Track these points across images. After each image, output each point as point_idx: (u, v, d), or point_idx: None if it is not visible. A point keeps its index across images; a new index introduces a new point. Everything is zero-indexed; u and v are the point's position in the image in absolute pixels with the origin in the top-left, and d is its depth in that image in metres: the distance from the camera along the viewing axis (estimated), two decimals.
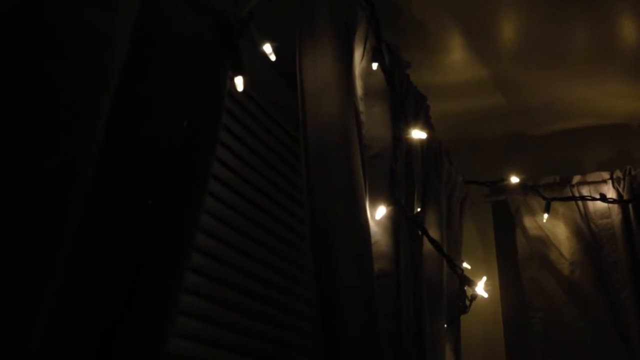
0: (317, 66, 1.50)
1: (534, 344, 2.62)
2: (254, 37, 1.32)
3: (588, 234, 2.62)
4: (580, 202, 2.65)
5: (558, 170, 2.76)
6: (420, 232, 1.96)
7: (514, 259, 2.71)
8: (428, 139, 2.10)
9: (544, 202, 2.63)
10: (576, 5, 2.07)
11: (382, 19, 1.77)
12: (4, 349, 0.75)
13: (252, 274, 1.65)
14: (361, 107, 1.73)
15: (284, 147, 1.89)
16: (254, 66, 1.42)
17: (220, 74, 1.15)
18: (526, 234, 2.70)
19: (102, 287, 0.91)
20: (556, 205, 2.65)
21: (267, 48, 1.37)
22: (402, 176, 1.88)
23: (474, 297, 2.12)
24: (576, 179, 2.70)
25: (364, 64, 1.76)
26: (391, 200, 1.75)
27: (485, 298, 2.15)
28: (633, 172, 2.60)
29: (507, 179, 2.69)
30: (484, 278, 2.18)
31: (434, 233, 2.08)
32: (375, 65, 1.78)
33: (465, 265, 2.38)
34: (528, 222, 2.70)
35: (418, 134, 1.96)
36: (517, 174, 2.69)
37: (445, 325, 2.18)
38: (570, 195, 2.67)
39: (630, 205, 2.57)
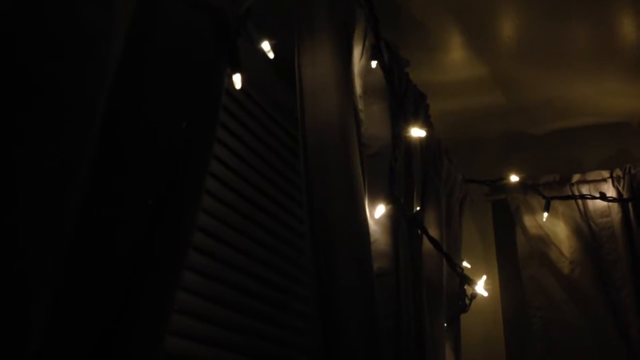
0: (315, 64, 1.50)
1: (534, 342, 2.61)
2: (252, 34, 1.31)
3: (588, 233, 2.62)
4: (580, 201, 2.65)
5: (558, 168, 2.75)
6: (419, 231, 1.95)
7: (514, 257, 2.71)
8: (427, 137, 2.10)
9: (543, 201, 2.62)
10: (576, 3, 2.07)
11: (382, 18, 1.77)
12: (3, 348, 0.75)
13: (250, 272, 1.65)
14: (360, 105, 1.72)
15: (282, 146, 1.89)
16: (252, 64, 1.42)
17: (218, 71, 1.15)
18: (526, 233, 2.69)
19: (100, 285, 0.91)
20: (556, 204, 2.64)
21: (266, 46, 1.36)
22: (402, 175, 1.87)
23: (474, 296, 2.12)
24: (576, 177, 2.69)
25: (363, 62, 1.76)
26: (390, 199, 1.74)
27: (485, 297, 2.15)
28: (633, 171, 2.60)
29: (506, 177, 2.69)
30: (484, 277, 2.17)
31: (433, 232, 2.07)
32: (374, 64, 1.77)
33: (465, 264, 2.37)
34: (528, 220, 2.70)
35: (417, 132, 1.96)
36: (517, 173, 2.69)
37: (445, 324, 2.18)
38: (570, 194, 2.67)
39: (630, 204, 2.57)
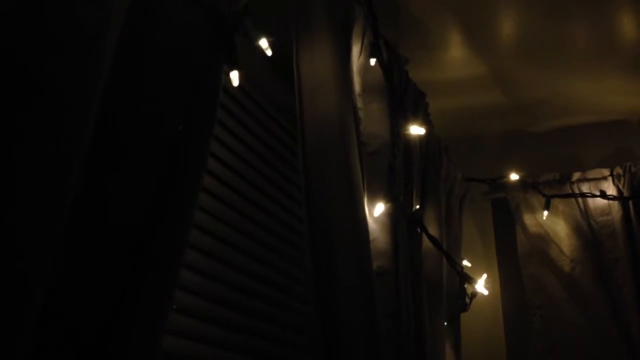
0: (314, 62, 1.49)
1: (535, 341, 2.61)
2: (250, 31, 1.31)
3: (588, 231, 2.61)
4: (580, 199, 2.64)
5: (558, 167, 2.75)
6: (419, 230, 1.95)
7: (514, 256, 2.70)
8: (427, 136, 2.10)
9: (543, 200, 2.62)
10: (575, 2, 2.07)
11: (381, 16, 1.76)
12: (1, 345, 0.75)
13: (249, 271, 1.64)
14: (359, 103, 1.72)
15: (281, 144, 1.88)
16: (250, 61, 1.41)
17: (215, 68, 1.14)
18: (526, 232, 2.69)
19: (97, 284, 0.91)
20: (556, 202, 2.64)
21: (264, 43, 1.35)
22: (401, 173, 1.87)
23: (474, 294, 2.11)
24: (576, 175, 2.69)
25: (361, 60, 1.75)
26: (390, 197, 1.74)
27: (486, 296, 2.14)
28: (633, 169, 2.59)
29: (506, 176, 2.68)
30: (484, 276, 2.17)
31: (433, 230, 2.07)
32: (373, 61, 1.76)
33: (465, 262, 2.37)
34: (528, 219, 2.69)
35: (416, 130, 1.95)
36: (517, 171, 2.68)
37: (445, 323, 2.17)
38: (570, 192, 2.66)
39: (630, 202, 2.56)
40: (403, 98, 1.97)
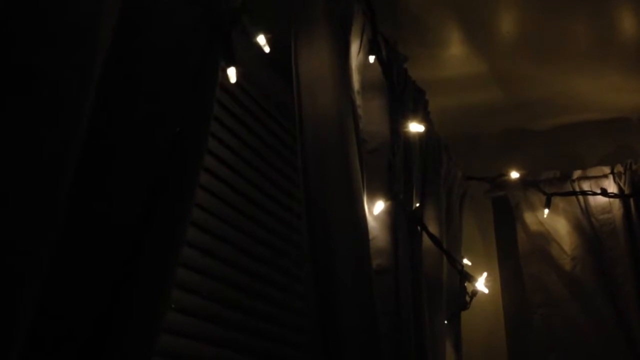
0: (312, 59, 1.48)
1: (536, 339, 2.60)
2: (248, 28, 1.30)
3: (589, 229, 2.61)
4: (581, 197, 2.64)
5: (558, 165, 2.74)
6: (419, 228, 1.94)
7: (515, 254, 2.70)
8: (427, 134, 2.09)
9: (544, 198, 2.61)
10: None
11: (380, 13, 1.76)
12: None
13: (248, 270, 1.63)
14: (358, 101, 1.71)
15: (279, 142, 1.87)
16: (248, 57, 1.40)
17: (212, 64, 1.13)
18: (527, 230, 2.68)
19: (93, 280, 0.90)
20: (557, 200, 2.63)
21: (261, 39, 1.35)
22: (401, 171, 1.86)
23: (475, 293, 2.11)
24: (577, 173, 2.68)
25: (360, 58, 1.75)
26: (389, 195, 1.73)
27: (486, 294, 2.14)
28: (634, 167, 2.59)
29: (507, 174, 2.68)
30: (485, 274, 2.17)
31: (433, 229, 2.06)
32: (372, 59, 1.76)
33: (465, 261, 2.36)
34: (528, 217, 2.69)
35: (416, 128, 1.94)
36: (517, 169, 2.68)
37: (446, 322, 2.16)
38: (571, 190, 2.65)
39: (631, 200, 2.56)
40: (402, 96, 1.96)
